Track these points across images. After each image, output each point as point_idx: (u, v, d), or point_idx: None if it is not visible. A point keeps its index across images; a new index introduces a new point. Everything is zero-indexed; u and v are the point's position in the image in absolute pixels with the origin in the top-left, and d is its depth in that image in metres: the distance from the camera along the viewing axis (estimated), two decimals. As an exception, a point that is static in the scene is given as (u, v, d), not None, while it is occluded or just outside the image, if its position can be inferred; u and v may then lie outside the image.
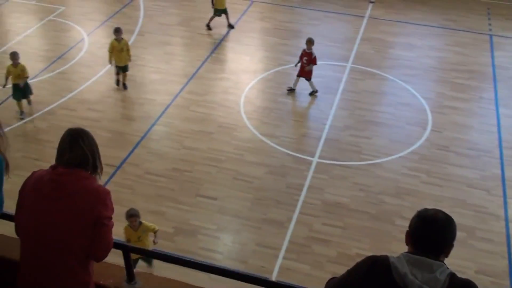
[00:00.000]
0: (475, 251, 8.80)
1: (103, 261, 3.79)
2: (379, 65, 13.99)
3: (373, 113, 12.12)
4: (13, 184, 3.87)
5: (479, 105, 12.57)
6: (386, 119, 11.93)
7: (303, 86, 12.84)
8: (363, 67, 13.84)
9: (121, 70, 12.53)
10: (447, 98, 12.75)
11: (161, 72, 13.46)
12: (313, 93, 12.53)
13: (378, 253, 2.97)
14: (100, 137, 10.93)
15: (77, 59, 13.81)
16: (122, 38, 12.29)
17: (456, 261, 8.57)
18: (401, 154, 10.86)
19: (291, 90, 12.60)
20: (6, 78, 11.39)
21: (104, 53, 13.63)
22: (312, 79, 12.51)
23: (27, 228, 3.41)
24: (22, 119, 11.45)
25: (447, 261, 8.32)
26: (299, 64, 12.49)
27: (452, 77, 13.62)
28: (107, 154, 10.57)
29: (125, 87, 12.67)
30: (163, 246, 8.65)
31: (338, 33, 15.61)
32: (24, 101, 11.62)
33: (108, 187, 9.69)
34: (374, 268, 2.82)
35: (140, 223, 7.80)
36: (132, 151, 10.75)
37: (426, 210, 2.93)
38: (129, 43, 13.08)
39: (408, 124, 11.78)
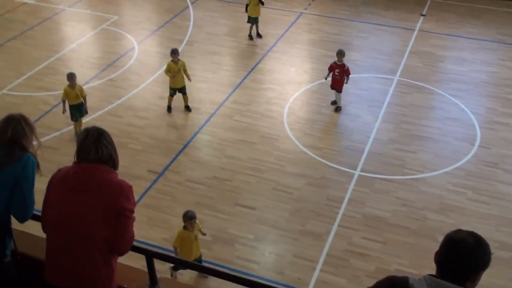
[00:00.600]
0: (521, 272, 8.44)
1: (127, 264, 3.87)
2: (428, 79, 13.70)
3: (419, 127, 11.86)
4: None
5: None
6: (432, 134, 11.65)
7: (347, 98, 12.73)
8: (410, 81, 13.59)
9: (181, 92, 12.16)
10: (498, 114, 12.35)
11: (207, 81, 13.63)
12: (337, 109, 12.34)
13: (418, 270, 2.87)
14: (144, 143, 11.26)
15: (126, 67, 14.16)
16: (179, 59, 11.95)
17: (500, 282, 8.25)
18: (447, 169, 10.57)
19: (334, 103, 12.48)
20: (64, 101, 11.08)
21: (153, 61, 13.99)
22: (358, 92, 12.34)
23: (54, 221, 3.52)
24: None
25: (492, 281, 8.04)
26: (330, 77, 12.32)
27: (504, 92, 13.19)
28: (150, 160, 10.81)
29: (189, 109, 12.30)
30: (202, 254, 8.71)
31: (387, 46, 15.41)
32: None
33: (149, 193, 9.95)
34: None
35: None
36: (174, 159, 10.89)
37: (458, 231, 2.77)
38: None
39: (455, 140, 11.46)
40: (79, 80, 11.55)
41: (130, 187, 3.56)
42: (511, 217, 9.47)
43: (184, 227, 7.86)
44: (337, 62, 12.16)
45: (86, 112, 11.48)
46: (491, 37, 15.92)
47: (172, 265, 7.90)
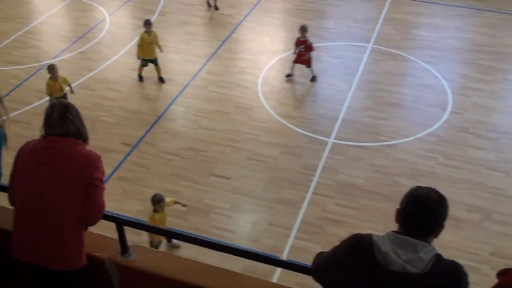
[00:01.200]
0: (490, 233, 8.64)
1: (98, 233, 3.87)
2: (401, 46, 13.74)
3: (393, 94, 11.94)
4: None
5: (503, 87, 12.25)
6: (405, 101, 11.74)
7: (321, 67, 12.73)
8: (384, 48, 13.61)
9: (152, 63, 12.09)
10: (470, 79, 12.47)
11: (180, 52, 13.49)
12: (313, 79, 12.32)
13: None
14: (117, 116, 11.17)
15: (98, 39, 13.93)
16: (152, 31, 11.86)
17: (470, 243, 8.47)
18: (419, 135, 10.69)
19: (289, 76, 12.40)
20: (50, 95, 10.55)
21: (125, 33, 13.78)
22: (332, 60, 12.34)
23: (22, 195, 3.50)
24: None
25: (463, 243, 8.26)
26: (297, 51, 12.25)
27: (477, 58, 13.30)
28: (124, 133, 10.75)
29: (162, 80, 12.24)
30: (176, 224, 8.76)
31: (361, 13, 15.36)
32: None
33: (124, 165, 9.91)
34: (358, 246, 2.77)
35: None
36: (148, 130, 10.84)
37: (418, 189, 2.79)
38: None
39: (428, 106, 11.57)
40: (49, 53, 11.35)
41: (98, 157, 3.56)
42: (481, 181, 9.65)
43: (155, 210, 7.90)
44: (300, 38, 12.09)
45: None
46: (464, 3, 15.96)
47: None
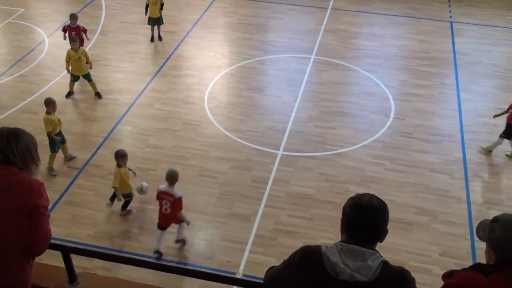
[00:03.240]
0: (439, 234, 8.92)
1: (44, 263, 3.77)
2: (343, 55, 14.07)
3: (337, 103, 12.19)
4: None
5: (441, 91, 12.72)
6: (350, 109, 12.01)
7: (267, 79, 12.89)
8: (326, 58, 13.90)
9: (86, 79, 12.10)
10: (409, 85, 12.89)
11: (124, 71, 13.34)
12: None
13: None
14: (61, 139, 10.83)
15: (37, 61, 13.60)
16: (79, 47, 11.82)
17: (421, 245, 8.70)
18: (365, 142, 10.95)
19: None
20: (50, 133, 9.94)
21: (65, 54, 13.44)
22: (277, 72, 12.48)
23: None
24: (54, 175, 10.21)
25: (414, 245, 8.47)
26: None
27: (415, 64, 13.78)
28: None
29: (99, 96, 12.19)
30: (129, 246, 8.61)
31: (302, 25, 15.65)
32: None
33: (71, 189, 9.67)
34: (307, 258, 2.81)
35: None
36: (95, 153, 10.63)
37: (360, 198, 2.84)
38: (92, 42, 13.01)
39: (371, 113, 11.88)
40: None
41: (41, 184, 3.46)
42: (427, 184, 9.97)
43: (119, 166, 8.81)
44: (71, 25, 12.92)
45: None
46: (399, 12, 16.54)
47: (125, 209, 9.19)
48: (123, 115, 11.71)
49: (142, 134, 11.16)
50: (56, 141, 10.02)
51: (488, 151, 10.67)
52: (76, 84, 12.39)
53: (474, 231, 8.73)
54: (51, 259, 3.94)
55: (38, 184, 3.43)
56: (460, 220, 9.19)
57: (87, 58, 12.00)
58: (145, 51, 14.35)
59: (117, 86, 12.74)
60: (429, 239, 8.86)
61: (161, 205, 8.27)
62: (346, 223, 2.84)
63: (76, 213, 9.22)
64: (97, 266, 7.89)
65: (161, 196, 8.23)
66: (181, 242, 8.67)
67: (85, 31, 13.24)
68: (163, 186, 8.25)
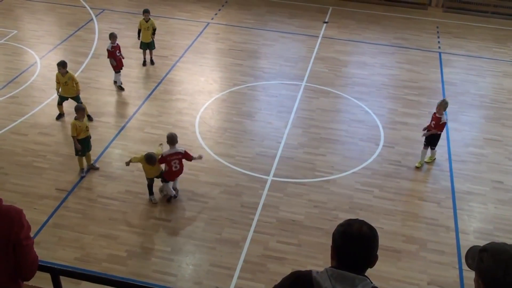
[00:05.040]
0: (427, 262, 8.93)
1: (32, 284, 3.73)
2: (333, 83, 14.22)
3: (327, 130, 12.28)
4: None
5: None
6: (339, 136, 12.10)
7: (257, 105, 12.97)
8: (317, 86, 14.04)
9: (74, 100, 11.99)
10: (398, 114, 13.04)
11: (115, 94, 13.37)
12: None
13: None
14: (51, 161, 10.87)
15: (29, 83, 13.60)
16: (67, 72, 11.77)
17: (409, 274, 8.70)
18: (355, 170, 11.01)
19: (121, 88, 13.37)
20: (74, 137, 10.24)
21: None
22: (267, 98, 12.57)
23: None
24: (83, 176, 10.57)
25: (402, 273, 8.47)
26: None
27: (404, 93, 13.95)
28: (58, 178, 10.46)
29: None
30: (116, 270, 8.53)
31: (293, 53, 15.83)
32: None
33: (59, 212, 9.60)
34: (297, 283, 2.82)
35: None
36: (84, 175, 10.59)
37: (349, 225, 2.85)
38: (84, 65, 13.01)
39: (361, 141, 11.97)
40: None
41: (19, 212, 3.37)
42: (415, 212, 10.02)
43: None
44: (113, 45, 13.17)
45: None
46: (388, 42, 16.81)
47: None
48: (114, 138, 11.70)
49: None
50: (77, 147, 10.32)
51: (421, 165, 11.12)
52: (67, 106, 12.37)
53: (463, 260, 8.75)
54: (39, 281, 3.90)
55: (17, 213, 3.35)
56: (448, 249, 9.22)
57: (76, 82, 11.92)
58: (136, 74, 14.41)
59: (108, 109, 12.75)
60: (418, 267, 8.86)
61: (170, 166, 9.68)
62: (336, 250, 2.85)
63: (63, 236, 9.13)
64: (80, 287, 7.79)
65: (169, 158, 9.61)
66: (174, 196, 9.99)
67: (120, 48, 13.48)
68: (166, 150, 9.68)
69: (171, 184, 10.05)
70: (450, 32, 17.66)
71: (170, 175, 9.89)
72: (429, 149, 11.12)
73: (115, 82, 13.65)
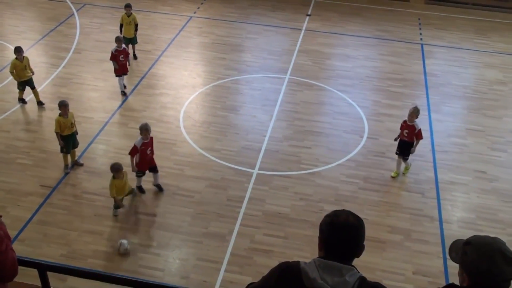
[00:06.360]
0: (412, 252, 9.03)
1: (19, 281, 3.70)
2: (317, 76, 14.26)
3: (312, 123, 12.32)
4: None
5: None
6: (324, 129, 12.15)
7: (241, 99, 12.97)
8: (301, 79, 14.07)
9: (29, 86, 12.34)
10: (382, 106, 13.12)
11: (98, 89, 13.27)
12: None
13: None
14: (34, 158, 10.77)
15: (10, 79, 13.41)
16: (24, 57, 12.15)
17: (394, 264, 8.79)
18: (339, 162, 11.08)
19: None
20: (58, 133, 10.21)
21: (38, 72, 13.37)
22: (251, 92, 12.57)
23: None
24: (67, 173, 10.50)
25: (387, 264, 8.55)
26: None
27: (387, 85, 14.04)
28: (43, 175, 10.37)
29: (41, 104, 12.49)
30: (103, 266, 8.50)
31: (276, 46, 15.84)
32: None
33: (44, 209, 9.53)
34: (285, 273, 2.85)
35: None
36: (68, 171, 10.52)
37: (336, 215, 2.88)
38: (66, 61, 12.88)
39: (345, 133, 12.03)
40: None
41: None
42: (399, 202, 10.12)
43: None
44: (118, 49, 12.75)
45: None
46: (371, 34, 16.88)
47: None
48: (97, 134, 11.63)
49: (117, 153, 11.08)
50: (60, 143, 10.30)
51: (396, 176, 10.77)
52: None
53: (447, 250, 8.87)
54: (26, 278, 3.88)
55: None
56: (433, 239, 9.32)
57: (28, 66, 12.28)
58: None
59: (91, 104, 12.66)
60: (402, 257, 8.95)
61: (144, 153, 9.71)
62: (323, 240, 2.88)
63: (48, 233, 9.07)
64: (70, 286, 7.75)
65: (143, 147, 9.66)
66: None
67: (127, 55, 13.06)
68: (138, 139, 9.65)
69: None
70: (431, 24, 17.79)
71: (140, 166, 9.88)
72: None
73: (122, 92, 13.18)
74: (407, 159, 10.67)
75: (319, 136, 11.92)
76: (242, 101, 12.99)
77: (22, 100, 12.61)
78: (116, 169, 9.19)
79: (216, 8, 18.17)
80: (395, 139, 10.65)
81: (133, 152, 9.63)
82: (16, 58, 12.05)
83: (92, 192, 10.02)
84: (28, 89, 12.39)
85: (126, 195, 9.71)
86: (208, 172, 10.65)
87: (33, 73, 12.37)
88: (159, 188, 10.15)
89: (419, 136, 10.34)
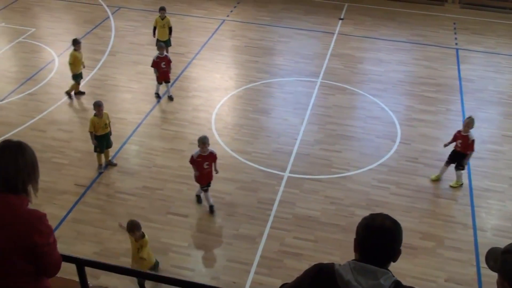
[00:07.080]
0: (444, 260, 8.89)
1: (58, 276, 3.78)
2: (349, 80, 14.19)
3: (343, 127, 12.26)
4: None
5: (446, 117, 12.78)
6: (356, 133, 12.08)
7: (273, 102, 13.00)
8: (333, 82, 14.02)
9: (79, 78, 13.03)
10: (415, 111, 12.97)
11: (132, 91, 13.47)
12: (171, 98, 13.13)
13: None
14: (69, 157, 10.99)
15: (47, 80, 13.75)
16: (81, 51, 12.85)
17: (427, 270, 8.68)
18: (371, 166, 10.99)
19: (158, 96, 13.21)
20: (91, 133, 10.41)
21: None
22: (283, 95, 12.58)
23: None
24: (101, 172, 10.68)
25: (419, 270, 8.45)
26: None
27: (420, 90, 13.87)
28: (77, 174, 10.57)
29: (80, 93, 13.18)
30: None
31: (308, 49, 15.82)
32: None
33: (78, 207, 9.70)
34: (320, 275, 2.84)
35: (143, 236, 7.91)
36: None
37: (373, 218, 2.87)
38: (101, 63, 13.18)
39: (377, 137, 11.93)
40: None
41: (39, 218, 3.21)
42: (432, 209, 9.98)
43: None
44: (160, 56, 12.90)
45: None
46: (405, 38, 16.71)
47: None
48: (131, 135, 11.80)
49: (149, 153, 11.23)
50: (93, 142, 10.51)
51: (437, 180, 10.63)
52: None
53: (481, 257, 8.70)
54: (62, 273, 3.96)
55: (36, 218, 3.20)
56: (466, 246, 9.17)
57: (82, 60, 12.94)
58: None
59: (124, 105, 12.86)
60: (435, 264, 8.83)
61: (201, 166, 9.50)
62: (359, 242, 2.87)
63: (81, 231, 9.24)
64: (102, 283, 7.87)
65: (199, 159, 9.45)
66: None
67: (169, 62, 13.17)
68: (196, 151, 9.48)
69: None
70: (467, 29, 17.52)
71: (200, 180, 9.72)
72: (451, 169, 10.46)
73: (156, 93, 13.31)
74: (461, 169, 10.36)
75: (351, 140, 11.85)
76: (273, 104, 13.02)
77: (80, 93, 13.14)
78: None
79: (248, 12, 18.26)
80: (445, 145, 10.53)
81: (190, 161, 9.60)
82: (74, 49, 12.57)
83: (125, 192, 10.17)
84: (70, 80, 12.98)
85: (152, 269, 8.31)
86: (239, 174, 10.70)
87: (84, 66, 13.03)
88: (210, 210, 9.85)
89: (470, 147, 10.12)
